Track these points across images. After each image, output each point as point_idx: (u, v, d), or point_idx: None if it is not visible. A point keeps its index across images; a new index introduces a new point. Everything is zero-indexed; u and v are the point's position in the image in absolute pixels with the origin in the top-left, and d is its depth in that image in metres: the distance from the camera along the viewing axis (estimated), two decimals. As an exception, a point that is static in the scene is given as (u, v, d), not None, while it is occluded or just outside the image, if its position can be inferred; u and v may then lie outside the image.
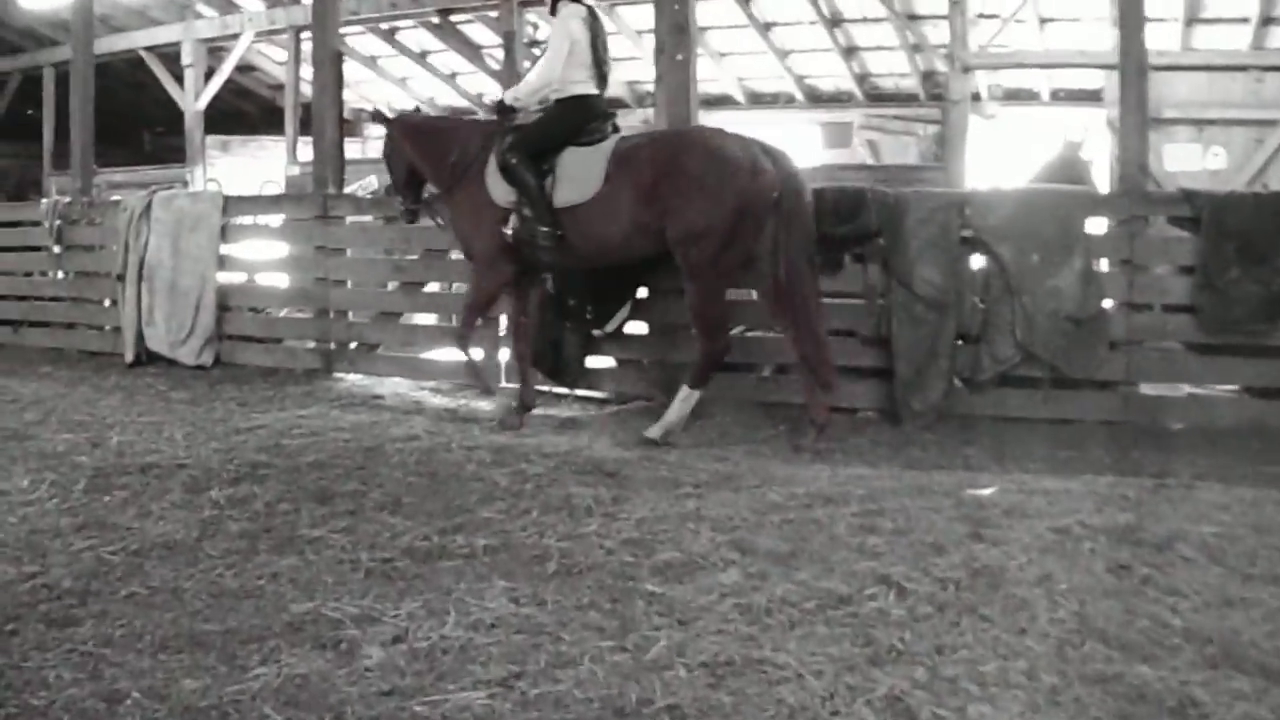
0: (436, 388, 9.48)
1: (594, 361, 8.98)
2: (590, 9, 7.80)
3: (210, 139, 18.74)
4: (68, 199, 12.11)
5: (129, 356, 10.83)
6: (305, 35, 18.02)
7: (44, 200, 12.40)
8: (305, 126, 17.97)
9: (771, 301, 7.43)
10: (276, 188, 16.59)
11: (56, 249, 11.90)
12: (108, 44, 19.16)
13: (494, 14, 17.23)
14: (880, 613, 4.22)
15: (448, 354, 9.44)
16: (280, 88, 21.97)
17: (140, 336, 10.81)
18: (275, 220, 11.13)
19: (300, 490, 6.00)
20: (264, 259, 10.97)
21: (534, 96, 7.84)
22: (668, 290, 8.40)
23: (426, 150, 8.28)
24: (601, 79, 7.78)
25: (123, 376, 10.31)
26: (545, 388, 8.90)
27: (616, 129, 7.85)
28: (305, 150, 17.55)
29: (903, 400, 7.95)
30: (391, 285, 10.09)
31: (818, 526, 5.26)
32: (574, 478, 6.27)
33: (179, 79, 19.00)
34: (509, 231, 7.76)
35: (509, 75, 15.92)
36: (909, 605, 4.29)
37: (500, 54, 17.87)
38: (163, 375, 10.24)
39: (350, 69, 20.44)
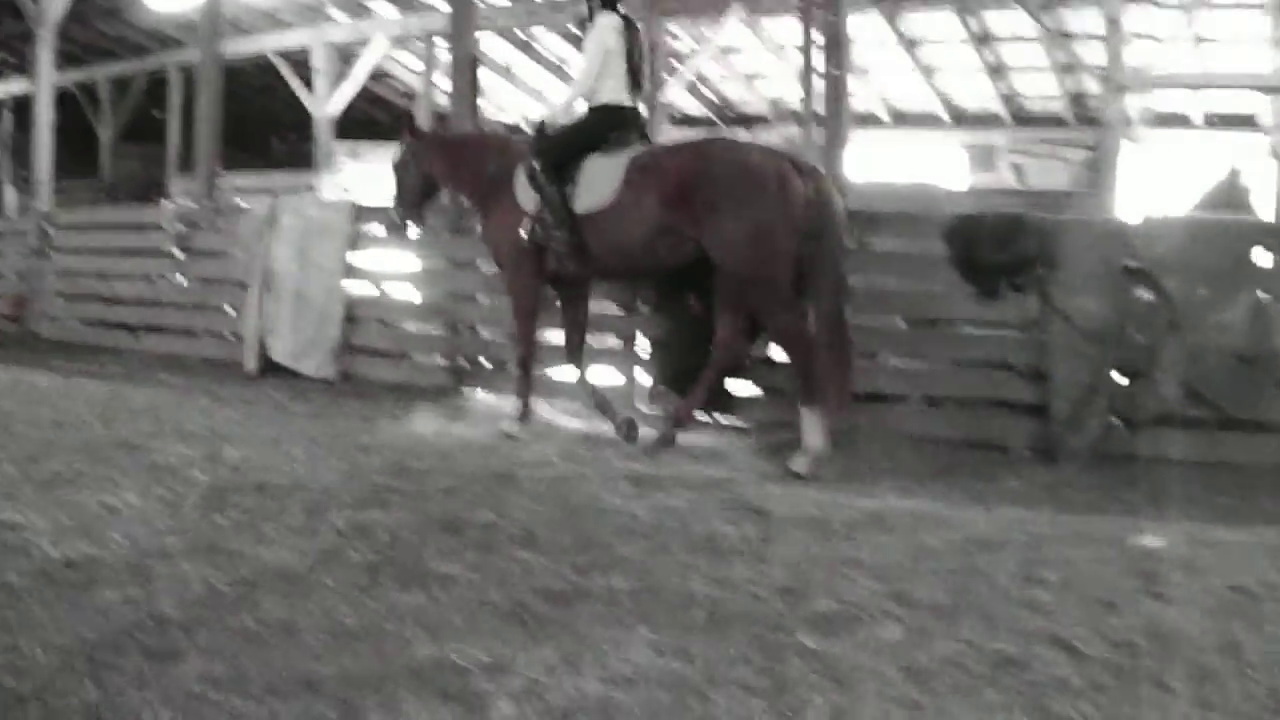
0: (567, 408, 9.22)
1: (738, 388, 8.70)
2: (627, 19, 7.99)
3: (340, 145, 18.79)
4: (192, 203, 12.07)
5: (250, 366, 10.78)
6: (439, 42, 18.10)
7: (167, 204, 12.37)
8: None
9: (781, 308, 7.37)
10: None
11: (179, 254, 11.92)
12: (236, 46, 19.39)
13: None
14: (1054, 679, 3.91)
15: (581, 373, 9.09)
16: (413, 96, 22.10)
17: (263, 346, 10.76)
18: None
19: (427, 518, 5.70)
20: (394, 270, 10.85)
21: (569, 107, 8.14)
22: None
23: (464, 163, 8.69)
24: (635, 88, 7.97)
25: (243, 387, 10.22)
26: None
27: (646, 138, 8.13)
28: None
29: (1058, 438, 7.62)
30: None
31: (979, 576, 4.97)
32: (718, 513, 5.96)
33: (309, 84, 19.12)
34: (524, 234, 7.98)
35: (652, 83, 15.73)
36: (1084, 670, 3.98)
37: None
38: (284, 387, 10.12)
39: (485, 77, 20.53)
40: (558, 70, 20.06)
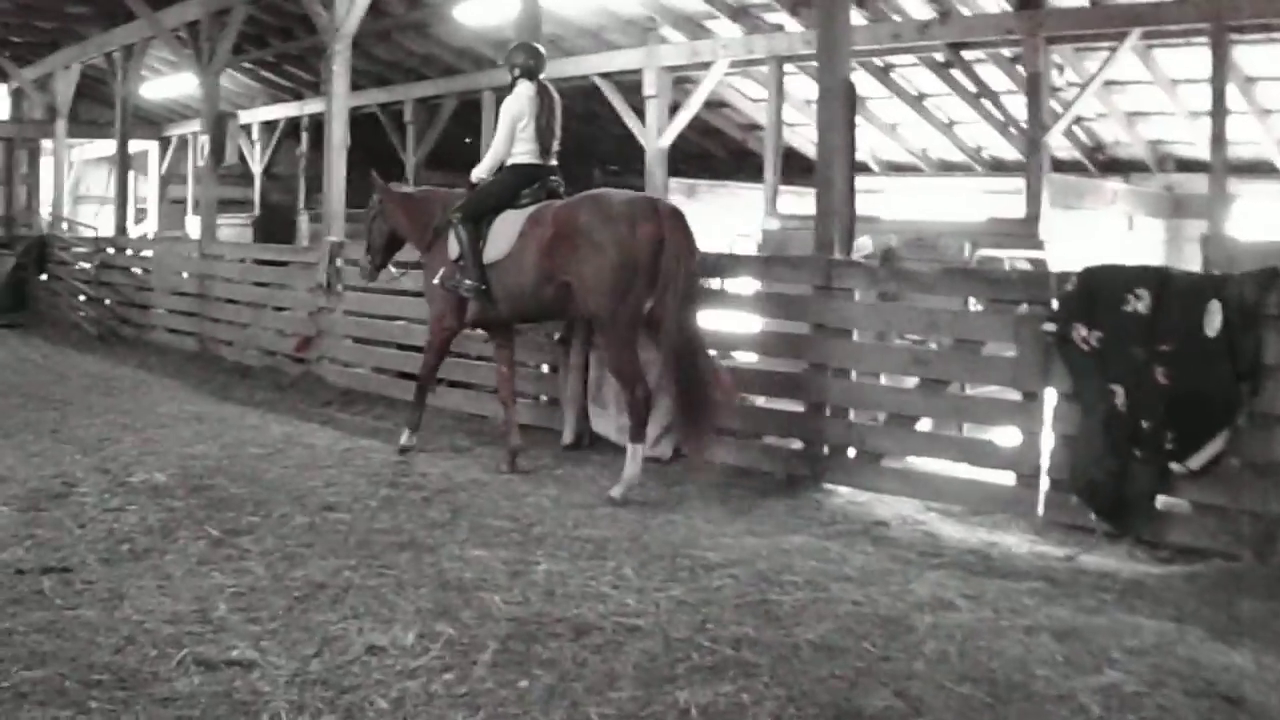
0: (946, 511, 8.40)
1: (1165, 503, 7.73)
2: (541, 86, 9.77)
3: (673, 182, 18.34)
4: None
5: (567, 437, 10.42)
6: (789, 68, 17.49)
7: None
8: (787, 173, 17.53)
9: (622, 347, 8.87)
10: (751, 244, 15.87)
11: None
12: (557, 68, 19.12)
13: (1007, 52, 16.15)
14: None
15: (963, 470, 8.70)
16: (752, 127, 21.59)
17: (585, 415, 10.39)
18: (761, 287, 10.45)
19: (805, 698, 4.84)
20: (742, 334, 10.33)
21: (490, 170, 9.83)
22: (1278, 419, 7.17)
23: (414, 216, 10.47)
24: (544, 150, 9.71)
25: (558, 463, 9.84)
26: (1087, 526, 7.77)
27: (556, 195, 9.69)
28: (787, 201, 16.93)
29: None
30: (906, 381, 9.14)
31: None
32: (1184, 700, 5.02)
33: (638, 111, 18.77)
34: (436, 281, 9.93)
35: (1034, 123, 14.72)
36: None
37: (1010, 102, 16.73)
38: (607, 466, 9.54)
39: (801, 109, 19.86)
40: (917, 104, 19.14)
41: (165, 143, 32.17)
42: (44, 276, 23.81)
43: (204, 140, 18.49)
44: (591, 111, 21.69)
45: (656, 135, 18.30)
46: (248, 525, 7.48)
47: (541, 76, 9.82)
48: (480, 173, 9.85)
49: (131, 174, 26.13)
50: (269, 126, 28.89)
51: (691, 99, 18.50)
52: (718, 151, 23.26)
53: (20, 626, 5.57)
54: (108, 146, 23.99)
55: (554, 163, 9.83)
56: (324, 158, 14.53)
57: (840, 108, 9.84)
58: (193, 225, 20.02)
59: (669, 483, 9.09)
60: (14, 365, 16.12)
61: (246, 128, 28.20)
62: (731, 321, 10.39)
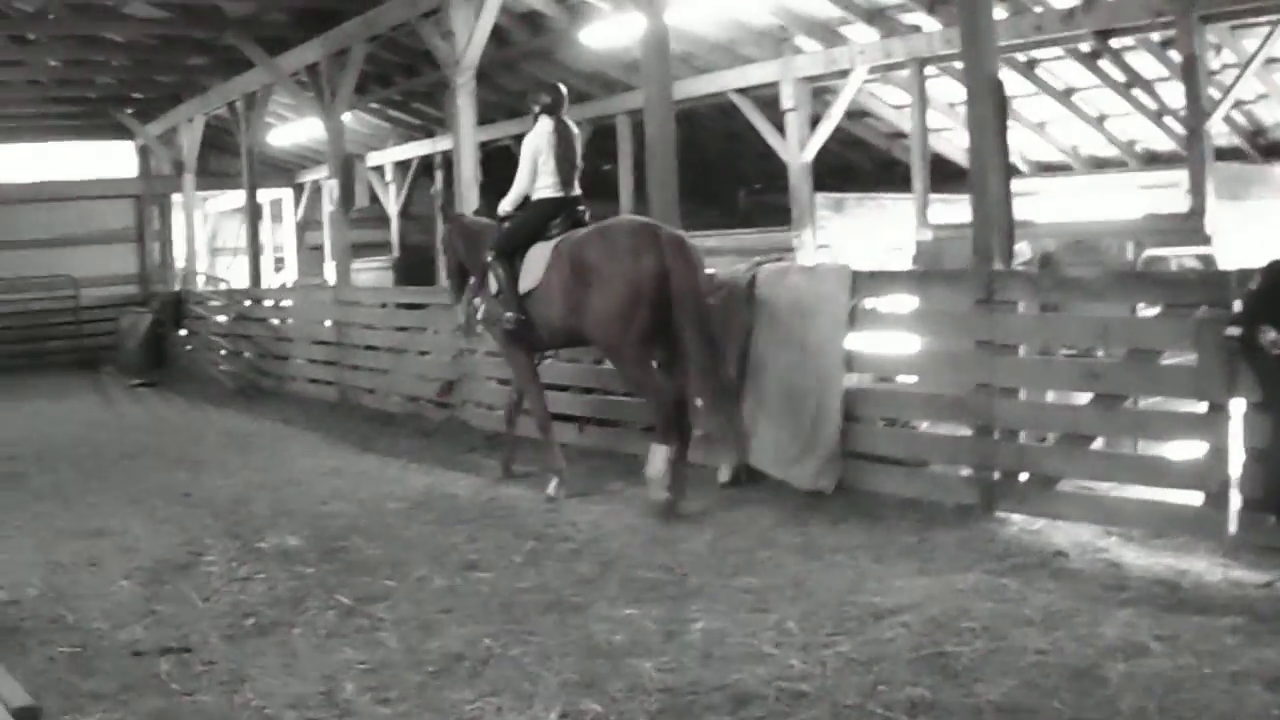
0: (1126, 535, 8.06)
1: None
2: (560, 121, 10.43)
3: (819, 197, 18.12)
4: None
5: (725, 474, 10.20)
6: (930, 70, 17.19)
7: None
8: (935, 180, 17.23)
9: (638, 370, 9.72)
10: (903, 257, 15.60)
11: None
12: (691, 86, 19.15)
13: (1157, 36, 15.64)
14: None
15: (1145, 491, 8.43)
16: (897, 135, 21.28)
17: (741, 449, 10.04)
18: (916, 304, 10.13)
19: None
20: (902, 355, 10.06)
21: (514, 203, 10.60)
22: None
23: (471, 247, 11.23)
24: (565, 182, 10.40)
25: (715, 500, 9.69)
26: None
27: (580, 224, 10.34)
28: (938, 210, 16.63)
29: None
30: (1080, 398, 8.80)
31: None
32: None
33: (777, 126, 18.59)
34: (479, 317, 11.04)
35: (1192, 110, 14.24)
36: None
37: (1164, 90, 16.23)
38: (768, 503, 9.41)
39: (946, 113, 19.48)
40: (1065, 99, 18.65)
41: (299, 189, 32.73)
42: (182, 332, 24.28)
43: (332, 184, 18.74)
44: (729, 130, 21.54)
45: (798, 149, 18.08)
46: (382, 590, 7.43)
47: (562, 113, 10.53)
48: (505, 206, 10.66)
49: (266, 223, 26.59)
50: (402, 166, 29.11)
51: (832, 109, 18.23)
52: (862, 162, 22.93)
53: (131, 717, 5.55)
54: (242, 197, 24.39)
55: (577, 193, 10.54)
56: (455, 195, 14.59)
57: (990, 107, 9.66)
58: (331, 271, 20.27)
59: (832, 519, 8.87)
60: (150, 425, 16.46)
61: (379, 169, 28.57)
62: (887, 342, 10.14)
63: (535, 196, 10.41)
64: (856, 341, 9.79)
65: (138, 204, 29.57)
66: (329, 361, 17.60)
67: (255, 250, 23.40)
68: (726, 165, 23.87)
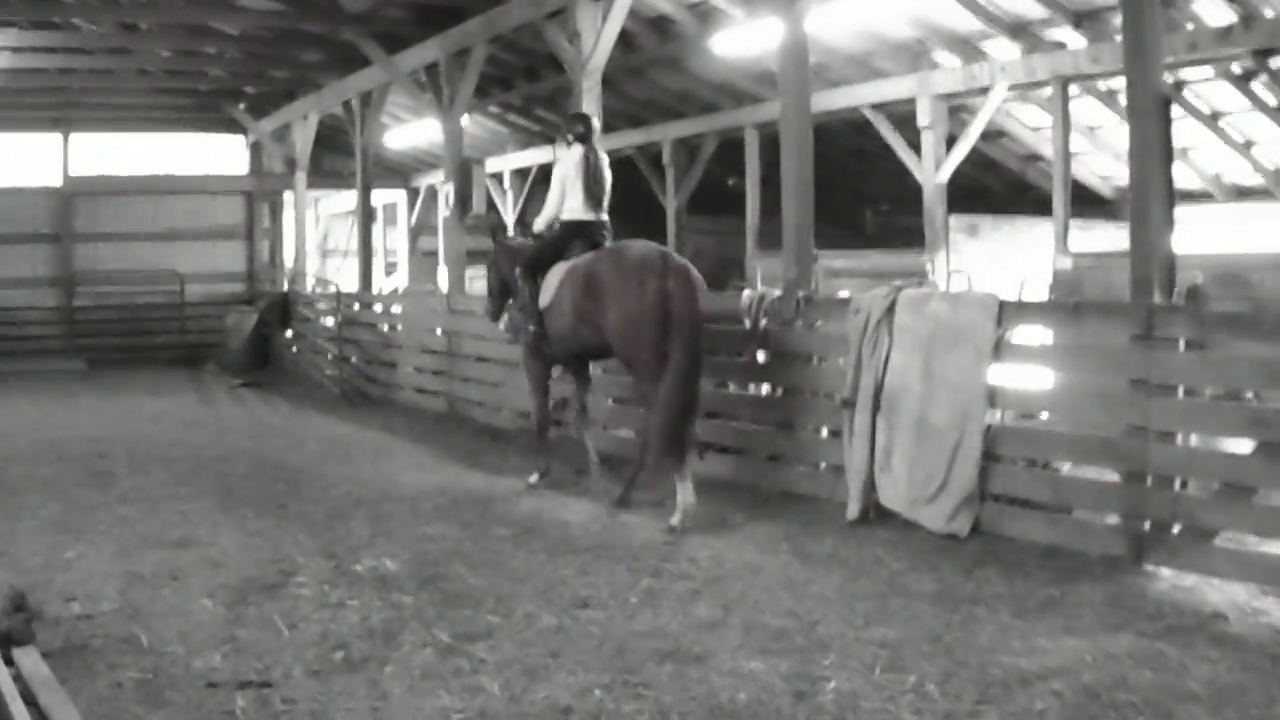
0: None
1: None
2: (589, 149, 11.43)
3: (953, 220, 17.68)
4: (777, 291, 11.31)
5: (853, 511, 9.92)
6: (1071, 90, 16.74)
7: (746, 291, 11.72)
8: (1077, 206, 16.76)
9: (647, 381, 10.36)
10: (1039, 286, 15.17)
11: (760, 354, 11.33)
12: (823, 100, 18.74)
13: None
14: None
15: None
16: (1031, 158, 20.82)
17: (871, 485, 9.87)
18: (1062, 336, 9.78)
19: None
20: (1047, 392, 9.69)
21: (545, 223, 11.81)
22: None
23: (512, 266, 12.06)
24: (593, 206, 11.39)
25: (841, 539, 9.33)
26: None
27: (600, 246, 11.25)
28: (1075, 238, 16.17)
29: None
30: (1241, 445, 8.37)
31: None
32: None
33: (910, 144, 18.22)
34: (503, 328, 12.77)
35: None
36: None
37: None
38: (897, 546, 9.08)
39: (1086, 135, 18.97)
40: (1212, 124, 18.00)
41: (414, 193, 32.82)
42: (288, 333, 24.35)
43: (448, 189, 18.63)
44: (859, 147, 21.17)
45: (934, 169, 17.67)
46: (485, 627, 7.13)
47: (593, 141, 11.55)
48: (539, 225, 11.98)
49: (379, 226, 26.59)
50: (520, 174, 29.00)
51: (970, 127, 17.76)
52: (993, 185, 22.43)
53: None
54: (354, 198, 24.44)
55: (603, 217, 11.49)
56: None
57: (1155, 127, 9.24)
58: (444, 279, 20.17)
59: (967, 565, 8.49)
60: (249, 429, 16.42)
61: (497, 176, 28.48)
62: (1029, 376, 9.81)
63: (563, 218, 11.47)
64: (1000, 375, 9.45)
65: (248, 201, 29.79)
66: (438, 371, 17.57)
67: (367, 253, 23.35)
68: (853, 183, 23.49)
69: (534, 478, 11.77)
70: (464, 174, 18.18)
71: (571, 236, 11.41)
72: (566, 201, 11.41)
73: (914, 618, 7.26)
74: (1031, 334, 10.02)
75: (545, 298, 11.29)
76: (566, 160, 11.52)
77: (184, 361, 26.02)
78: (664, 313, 10.16)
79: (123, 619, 7.35)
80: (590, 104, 14.30)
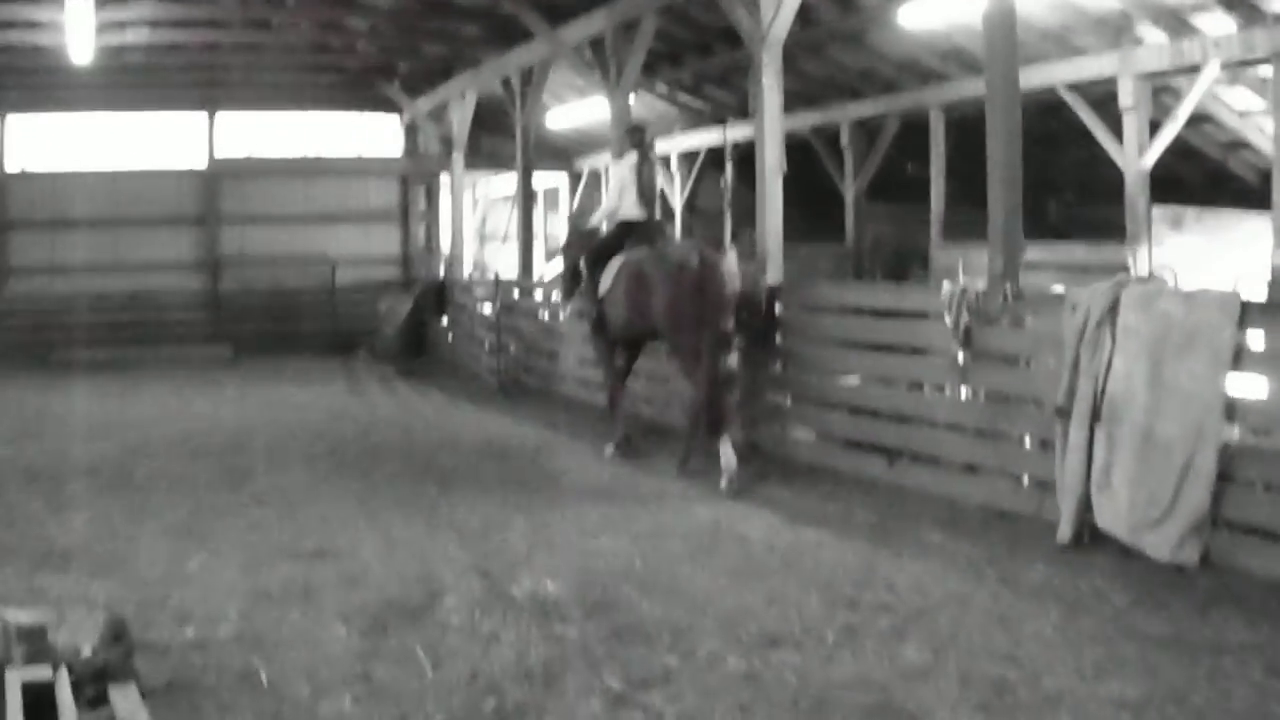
0: None
1: None
2: (642, 154, 13.29)
3: (1156, 211, 16.68)
4: (981, 286, 10.54)
5: (1065, 533, 9.10)
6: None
7: (946, 284, 10.88)
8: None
9: (689, 362, 11.98)
10: (1258, 285, 14.17)
11: (961, 356, 10.56)
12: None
13: None
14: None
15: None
16: (1237, 145, 19.67)
17: (1087, 505, 9.03)
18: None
19: None
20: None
21: (603, 222, 13.81)
22: None
23: (580, 256, 13.91)
24: (646, 205, 13.27)
25: (1054, 567, 8.51)
26: None
27: (652, 243, 12.96)
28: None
29: None
30: None
31: None
32: None
33: (1111, 128, 17.23)
34: (570, 308, 15.41)
35: None
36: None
37: None
38: (1117, 576, 8.25)
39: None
40: None
41: (576, 176, 32.44)
42: (444, 321, 24.04)
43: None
44: (1048, 131, 20.15)
45: (1136, 155, 16.65)
46: (661, 670, 6.45)
47: (646, 148, 13.39)
48: (595, 221, 14.14)
49: (540, 210, 26.13)
50: (689, 157, 28.33)
51: (1177, 110, 16.72)
52: (1190, 175, 21.22)
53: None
54: (514, 181, 24.05)
55: (656, 217, 13.47)
56: (755, 187, 13.73)
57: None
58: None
59: (1199, 603, 7.62)
60: (401, 421, 16.11)
61: (665, 158, 27.82)
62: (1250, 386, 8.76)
63: (620, 217, 13.34)
64: (1240, 386, 8.53)
65: (403, 183, 29.56)
66: (603, 363, 16.99)
67: (527, 238, 22.93)
68: (1038, 170, 22.48)
69: (609, 449, 13.14)
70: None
71: (627, 234, 13.25)
72: (623, 201, 13.28)
73: (1150, 669, 6.46)
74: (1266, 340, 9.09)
75: (604, 286, 13.11)
76: (622, 165, 13.55)
77: (334, 349, 25.91)
78: (698, 303, 11.73)
79: (242, 648, 6.84)
80: (770, 78, 13.62)
